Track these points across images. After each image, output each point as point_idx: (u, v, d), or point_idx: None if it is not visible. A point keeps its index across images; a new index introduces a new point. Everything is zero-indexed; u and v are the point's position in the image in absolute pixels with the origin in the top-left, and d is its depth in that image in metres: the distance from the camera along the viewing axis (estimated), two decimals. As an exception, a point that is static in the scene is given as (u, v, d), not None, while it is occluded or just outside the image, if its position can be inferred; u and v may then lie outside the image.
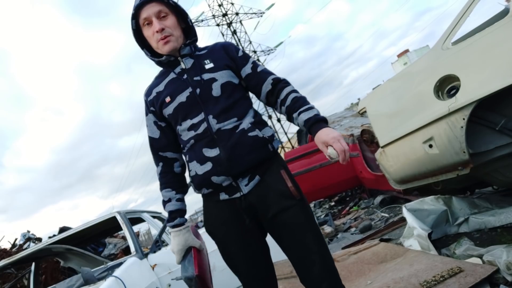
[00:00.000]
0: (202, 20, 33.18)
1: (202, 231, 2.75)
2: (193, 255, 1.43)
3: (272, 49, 35.66)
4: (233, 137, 1.34)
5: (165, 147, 1.50)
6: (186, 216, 1.53)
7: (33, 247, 3.21)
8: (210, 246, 1.59)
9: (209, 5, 33.00)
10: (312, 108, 1.37)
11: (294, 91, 1.43)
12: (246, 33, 34.07)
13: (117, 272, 2.34)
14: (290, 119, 1.42)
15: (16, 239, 6.71)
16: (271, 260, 1.47)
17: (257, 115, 1.44)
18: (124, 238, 6.44)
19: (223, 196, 1.39)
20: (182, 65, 1.45)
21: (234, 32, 33.46)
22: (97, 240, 5.40)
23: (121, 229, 3.65)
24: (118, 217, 2.98)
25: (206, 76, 1.40)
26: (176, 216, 1.46)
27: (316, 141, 1.31)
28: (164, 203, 1.47)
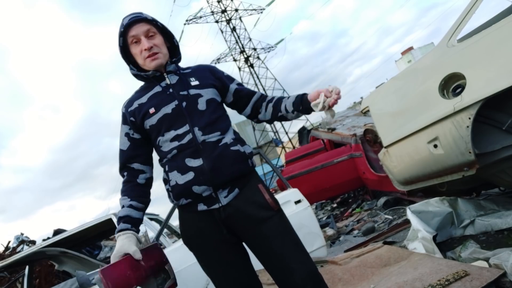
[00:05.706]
0: (201, 17, 33.04)
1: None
2: (117, 260, 1.29)
3: (272, 47, 35.51)
4: (216, 149, 1.41)
5: (132, 158, 1.52)
6: None
7: (27, 250, 3.18)
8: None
9: (207, 1, 32.81)
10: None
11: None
12: (245, 30, 33.92)
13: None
14: (277, 107, 1.58)
15: (9, 242, 6.67)
16: (252, 266, 1.50)
17: (236, 133, 1.54)
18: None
19: (201, 207, 1.42)
20: (167, 81, 1.52)
21: (234, 29, 33.28)
22: (92, 243, 5.38)
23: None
24: (114, 219, 2.95)
25: (192, 91, 1.49)
26: (122, 221, 1.42)
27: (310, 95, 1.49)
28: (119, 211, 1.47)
